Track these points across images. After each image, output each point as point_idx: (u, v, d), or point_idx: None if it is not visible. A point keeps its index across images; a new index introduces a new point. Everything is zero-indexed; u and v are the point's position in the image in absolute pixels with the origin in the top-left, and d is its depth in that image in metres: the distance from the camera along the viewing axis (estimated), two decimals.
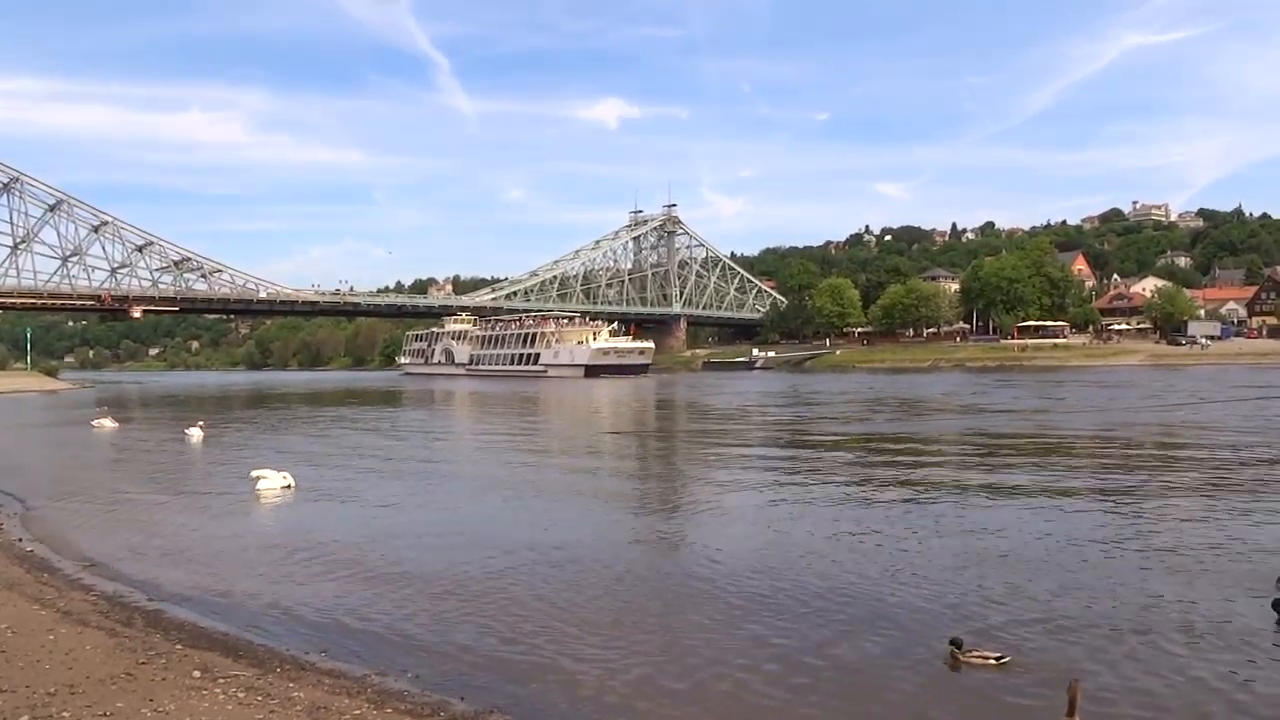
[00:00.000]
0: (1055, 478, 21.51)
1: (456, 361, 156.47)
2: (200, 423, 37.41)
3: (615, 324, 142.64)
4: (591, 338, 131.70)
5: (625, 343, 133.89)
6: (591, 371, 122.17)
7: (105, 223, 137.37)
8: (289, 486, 21.32)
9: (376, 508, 19.43)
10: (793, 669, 9.17)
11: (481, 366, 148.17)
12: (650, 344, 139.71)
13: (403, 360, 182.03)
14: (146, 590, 12.69)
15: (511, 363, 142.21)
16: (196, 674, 8.67)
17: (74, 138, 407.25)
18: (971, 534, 15.02)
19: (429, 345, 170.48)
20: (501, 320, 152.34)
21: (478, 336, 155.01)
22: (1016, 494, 19.19)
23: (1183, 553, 13.35)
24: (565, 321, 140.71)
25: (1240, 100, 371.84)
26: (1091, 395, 53.29)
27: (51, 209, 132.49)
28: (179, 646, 9.70)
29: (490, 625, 10.73)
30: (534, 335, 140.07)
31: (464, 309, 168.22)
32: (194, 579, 13.36)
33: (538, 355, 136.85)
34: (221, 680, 8.50)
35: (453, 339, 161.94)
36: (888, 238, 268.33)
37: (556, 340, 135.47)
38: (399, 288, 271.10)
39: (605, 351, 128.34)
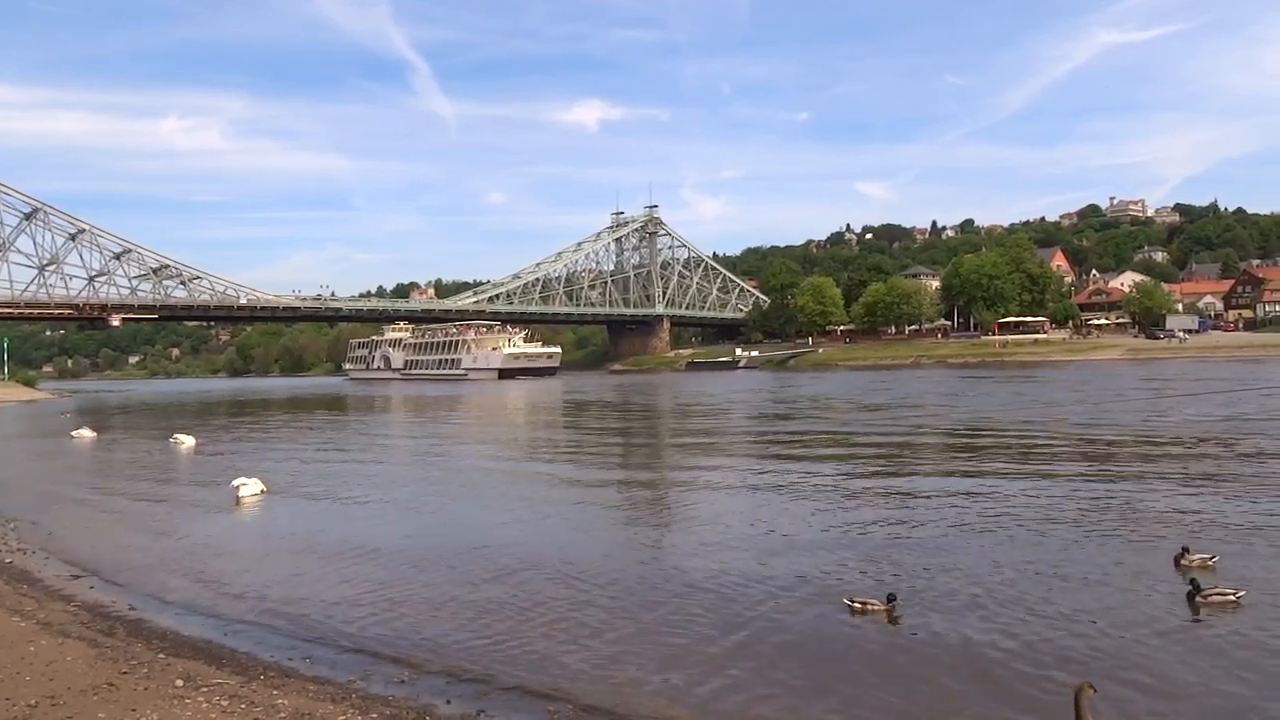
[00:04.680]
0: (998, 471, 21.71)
1: (393, 367, 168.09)
2: (189, 434, 37.21)
3: (527, 331, 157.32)
4: (506, 344, 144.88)
5: (535, 348, 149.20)
6: (505, 374, 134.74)
7: (82, 230, 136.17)
8: (262, 492, 21.26)
9: (349, 511, 19.60)
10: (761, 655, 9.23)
11: (414, 371, 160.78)
12: (557, 349, 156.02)
13: (347, 366, 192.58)
14: (128, 599, 12.61)
15: (438, 367, 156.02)
16: (179, 683, 8.62)
17: (50, 146, 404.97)
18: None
19: (370, 352, 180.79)
20: (430, 329, 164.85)
21: (411, 344, 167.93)
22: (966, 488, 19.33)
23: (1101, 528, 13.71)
24: (484, 329, 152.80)
25: (1214, 97, 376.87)
26: (1062, 393, 53.68)
27: (27, 217, 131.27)
28: (161, 656, 9.65)
29: (472, 627, 10.72)
30: (456, 342, 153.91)
31: (446, 313, 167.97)
32: (176, 587, 13.29)
33: (459, 360, 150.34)
34: (204, 689, 8.46)
35: (390, 346, 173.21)
36: (869, 236, 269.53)
37: (476, 346, 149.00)
38: (381, 292, 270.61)
39: (516, 356, 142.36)
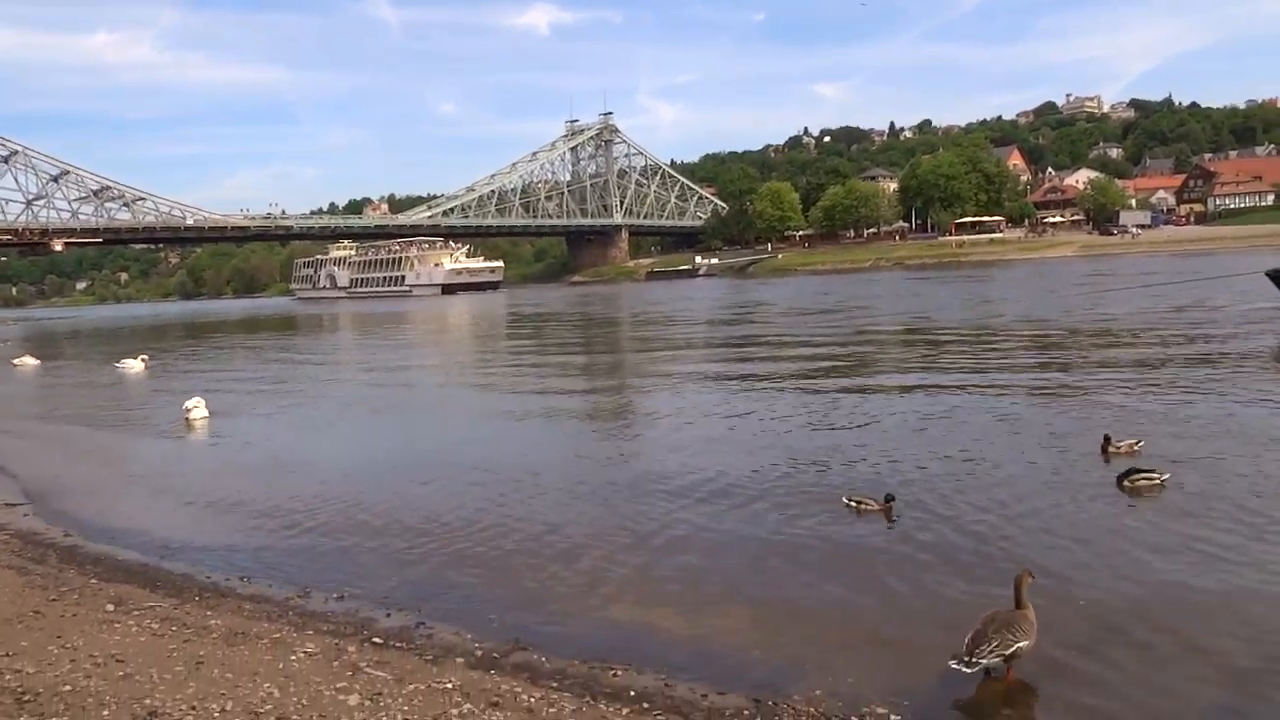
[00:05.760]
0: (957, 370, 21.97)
1: (339, 285, 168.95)
2: (143, 356, 36.05)
3: (468, 247, 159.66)
4: (449, 259, 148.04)
5: (477, 263, 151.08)
6: (448, 289, 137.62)
7: (15, 152, 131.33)
8: (208, 414, 20.78)
9: (299, 432, 19.32)
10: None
11: (360, 289, 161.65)
12: (499, 263, 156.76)
13: (293, 286, 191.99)
14: (63, 526, 12.28)
15: (383, 284, 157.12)
16: (110, 607, 8.39)
17: None
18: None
19: (315, 271, 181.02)
20: (374, 246, 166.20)
21: (356, 262, 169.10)
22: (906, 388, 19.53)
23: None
24: (426, 245, 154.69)
25: None
26: (1003, 291, 54.30)
27: None
28: (94, 581, 9.40)
29: (419, 543, 10.53)
30: (400, 259, 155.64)
31: (400, 228, 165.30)
32: (115, 513, 12.98)
33: (403, 277, 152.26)
34: (136, 612, 8.24)
35: (335, 265, 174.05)
36: (827, 139, 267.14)
37: (419, 263, 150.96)
38: (333, 209, 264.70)
39: (458, 272, 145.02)
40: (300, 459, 15.90)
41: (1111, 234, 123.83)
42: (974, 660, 6.15)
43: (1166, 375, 19.12)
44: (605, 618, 8.09)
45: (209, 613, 8.27)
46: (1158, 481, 10.73)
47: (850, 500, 10.68)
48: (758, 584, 8.64)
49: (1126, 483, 10.74)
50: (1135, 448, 12.42)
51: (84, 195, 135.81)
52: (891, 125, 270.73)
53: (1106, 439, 12.57)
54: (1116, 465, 11.64)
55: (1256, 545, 8.74)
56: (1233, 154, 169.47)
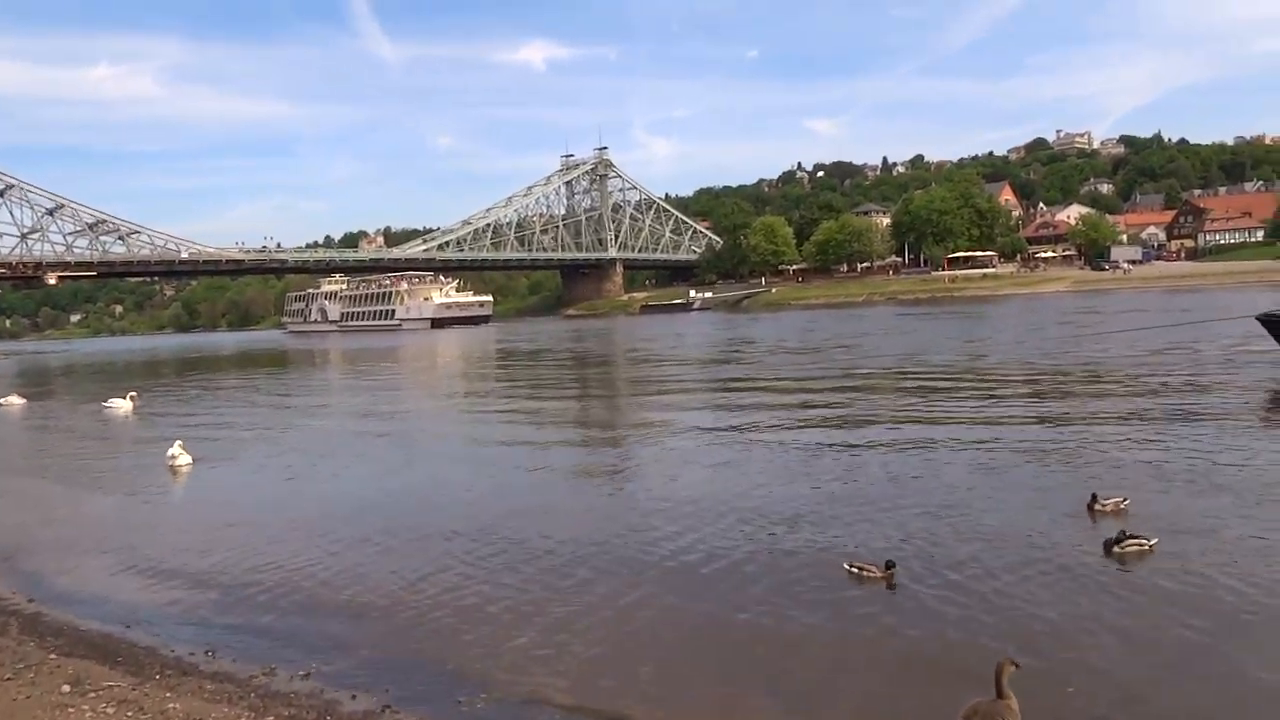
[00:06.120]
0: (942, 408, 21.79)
1: (329, 319, 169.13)
2: (132, 394, 35.60)
3: (458, 281, 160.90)
4: (438, 294, 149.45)
5: (466, 297, 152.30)
6: (437, 324, 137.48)
7: (10, 186, 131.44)
8: (191, 461, 20.53)
9: (284, 481, 19.00)
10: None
11: (350, 323, 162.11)
12: (488, 297, 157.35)
13: (285, 320, 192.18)
14: (30, 589, 11.97)
15: (373, 318, 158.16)
16: (66, 688, 8.11)
17: None
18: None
19: (306, 305, 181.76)
20: (365, 281, 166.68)
21: (347, 296, 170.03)
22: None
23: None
24: (416, 280, 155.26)
25: (1158, 27, 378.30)
26: (995, 331, 54.32)
27: None
28: (52, 656, 9.10)
29: (394, 609, 10.30)
30: (390, 294, 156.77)
31: (395, 261, 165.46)
32: (84, 575, 12.66)
33: (393, 311, 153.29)
34: (92, 695, 7.95)
35: (326, 299, 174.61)
36: (820, 174, 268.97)
37: (409, 297, 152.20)
38: (329, 242, 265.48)
39: (448, 306, 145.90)
40: (281, 517, 15.48)
41: (1104, 269, 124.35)
42: None
43: (1155, 424, 18.94)
44: (579, 707, 7.80)
45: (168, 694, 7.98)
46: (1147, 548, 10.53)
47: (852, 566, 10.45)
48: (746, 667, 8.40)
49: (1116, 549, 10.52)
50: (1121, 506, 12.25)
51: (79, 229, 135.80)
52: (884, 160, 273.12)
53: (1093, 497, 12.39)
54: (1103, 525, 11.48)
55: (1256, 620, 8.52)
56: (1222, 190, 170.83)
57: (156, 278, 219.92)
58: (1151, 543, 10.59)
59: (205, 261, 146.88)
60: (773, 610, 9.61)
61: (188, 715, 7.50)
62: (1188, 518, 11.77)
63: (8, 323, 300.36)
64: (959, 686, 7.15)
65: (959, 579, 10.14)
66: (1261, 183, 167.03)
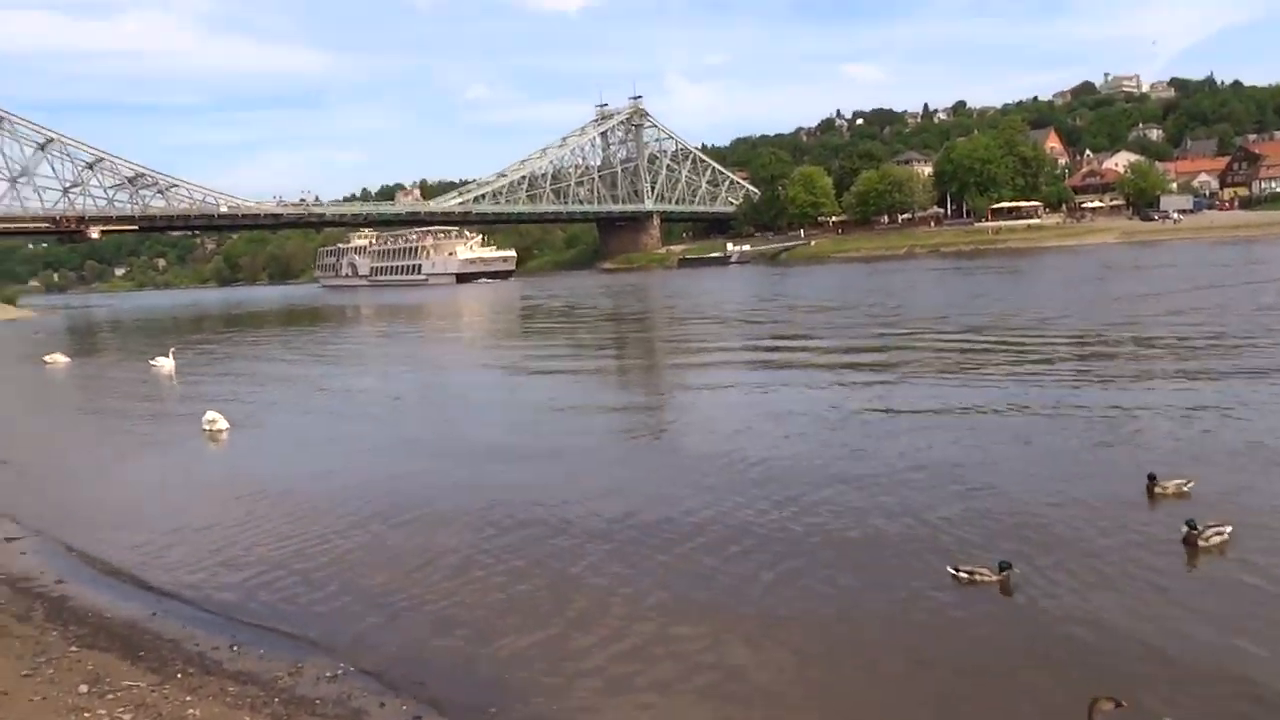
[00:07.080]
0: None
1: (359, 274, 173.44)
2: (172, 350, 35.40)
3: (482, 235, 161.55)
4: (463, 248, 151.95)
5: (490, 252, 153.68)
6: (462, 278, 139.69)
7: (51, 140, 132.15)
8: (228, 426, 20.33)
9: (317, 449, 18.75)
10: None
11: (379, 277, 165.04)
12: (512, 252, 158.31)
13: (318, 274, 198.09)
14: (59, 568, 11.77)
15: (401, 273, 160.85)
16: (84, 689, 7.78)
17: (6, 51, 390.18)
18: None
19: (338, 260, 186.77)
20: (392, 235, 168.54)
21: (376, 250, 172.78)
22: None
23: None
24: (442, 234, 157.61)
25: None
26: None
27: None
28: (73, 649, 8.79)
29: (429, 597, 9.86)
30: (416, 248, 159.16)
31: (431, 215, 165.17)
32: (117, 549, 12.43)
33: (419, 266, 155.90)
34: (110, 695, 7.62)
35: (356, 254, 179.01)
36: (860, 122, 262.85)
37: (434, 252, 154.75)
38: (365, 195, 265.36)
39: (472, 260, 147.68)
40: (316, 489, 15.08)
41: (1153, 220, 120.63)
42: None
43: (1212, 390, 17.86)
44: None
45: (189, 698, 7.61)
46: (1225, 537, 9.78)
47: (959, 570, 9.34)
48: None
49: (1201, 541, 9.70)
50: (1185, 488, 11.39)
51: (119, 182, 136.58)
52: (925, 107, 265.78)
53: (1151, 478, 11.50)
54: (1164, 508, 10.81)
55: None
56: (1278, 134, 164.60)
57: (197, 231, 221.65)
58: (1227, 531, 9.83)
59: (244, 215, 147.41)
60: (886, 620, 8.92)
61: None
62: (1261, 498, 10.99)
63: (55, 276, 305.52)
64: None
65: (1039, 578, 9.39)
66: None
